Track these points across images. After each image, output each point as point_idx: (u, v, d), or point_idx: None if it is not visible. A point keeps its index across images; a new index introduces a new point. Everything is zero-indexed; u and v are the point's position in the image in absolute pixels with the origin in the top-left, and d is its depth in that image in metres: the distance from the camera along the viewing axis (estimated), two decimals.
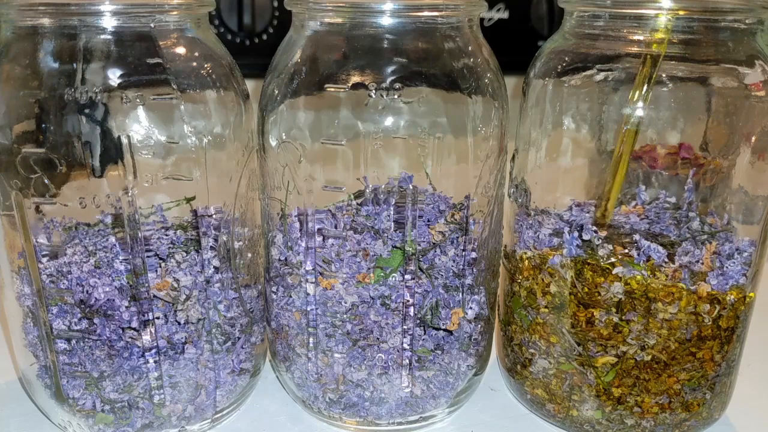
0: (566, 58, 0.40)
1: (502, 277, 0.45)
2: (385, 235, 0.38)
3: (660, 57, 0.36)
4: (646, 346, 0.38)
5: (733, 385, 0.43)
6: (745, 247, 0.39)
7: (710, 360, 0.39)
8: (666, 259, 0.38)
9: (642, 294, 0.37)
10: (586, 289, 0.38)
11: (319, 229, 0.39)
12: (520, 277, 0.42)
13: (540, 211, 0.43)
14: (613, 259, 0.38)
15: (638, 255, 0.38)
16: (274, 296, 0.42)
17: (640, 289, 0.37)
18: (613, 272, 0.38)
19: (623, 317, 0.38)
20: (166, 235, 0.40)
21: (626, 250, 0.38)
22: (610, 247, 0.39)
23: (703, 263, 0.37)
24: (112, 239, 0.39)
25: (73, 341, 0.38)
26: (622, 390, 0.39)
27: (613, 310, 0.38)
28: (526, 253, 0.42)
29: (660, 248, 0.38)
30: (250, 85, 0.41)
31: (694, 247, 0.38)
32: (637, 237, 0.38)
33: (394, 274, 0.39)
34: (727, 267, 0.38)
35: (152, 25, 0.35)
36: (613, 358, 0.39)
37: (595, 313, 0.38)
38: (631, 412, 0.40)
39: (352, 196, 0.40)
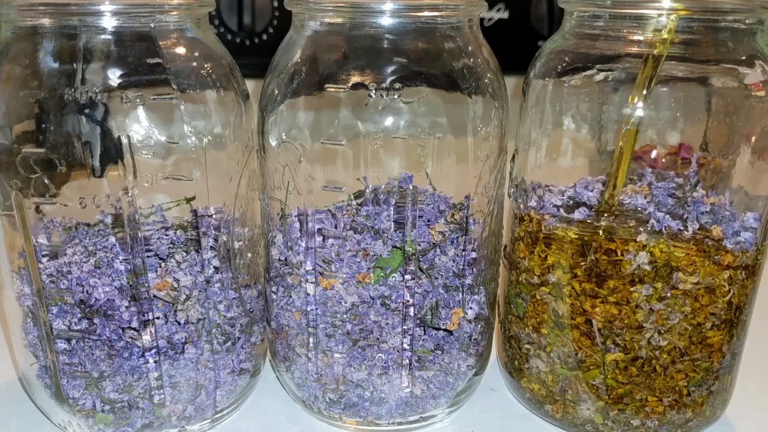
0: (566, 58, 0.40)
1: (502, 276, 0.45)
2: (385, 235, 0.38)
3: (662, 57, 0.36)
4: (662, 330, 0.38)
5: (734, 383, 0.43)
6: (750, 222, 0.38)
7: (718, 350, 0.39)
8: (681, 227, 0.38)
9: (664, 263, 0.37)
10: (602, 263, 0.38)
11: (319, 229, 0.39)
12: (517, 253, 0.42)
13: (544, 187, 0.43)
14: (622, 232, 0.38)
15: (657, 223, 0.38)
16: (274, 296, 0.42)
17: (663, 258, 0.37)
18: (637, 240, 0.37)
19: (646, 292, 0.37)
20: (166, 235, 0.40)
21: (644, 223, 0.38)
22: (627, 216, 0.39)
23: (713, 232, 0.38)
24: (112, 239, 0.39)
25: (73, 341, 0.38)
26: (628, 388, 0.39)
27: (631, 285, 0.37)
28: (526, 216, 0.41)
29: (674, 219, 0.38)
30: (250, 85, 0.41)
31: (700, 217, 0.38)
32: (651, 209, 0.38)
33: (394, 274, 0.39)
34: (738, 238, 0.38)
35: (152, 25, 0.35)
36: (622, 354, 0.39)
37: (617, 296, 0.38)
38: (635, 413, 0.40)
39: (352, 196, 0.40)
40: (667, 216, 0.38)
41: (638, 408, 0.40)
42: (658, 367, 0.39)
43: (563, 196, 0.42)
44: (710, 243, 0.37)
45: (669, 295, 0.37)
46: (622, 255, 0.37)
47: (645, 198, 0.41)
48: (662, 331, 0.38)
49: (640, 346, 0.38)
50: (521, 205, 0.42)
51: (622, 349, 0.39)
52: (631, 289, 0.38)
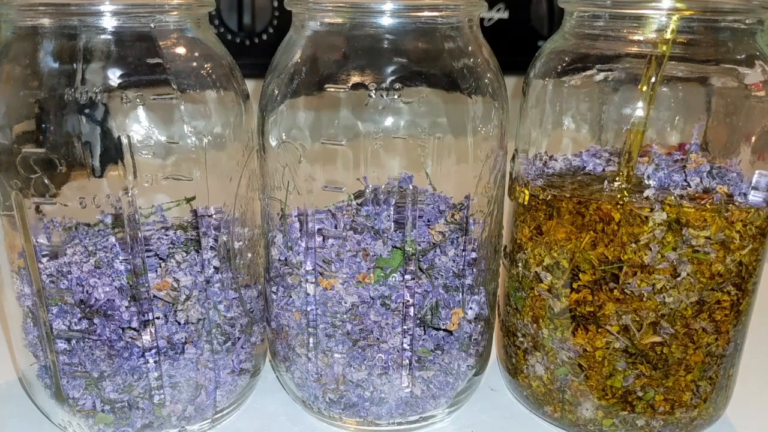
0: (566, 58, 0.40)
1: (502, 276, 0.45)
2: (385, 235, 0.38)
3: (665, 57, 0.36)
4: (676, 284, 0.37)
5: (735, 380, 0.43)
6: (760, 183, 0.38)
7: (725, 332, 0.39)
8: (685, 185, 0.38)
9: (674, 219, 0.36)
10: (616, 230, 0.37)
11: (319, 229, 0.39)
12: (520, 228, 0.42)
13: (549, 156, 0.43)
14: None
15: (663, 180, 0.38)
16: (274, 296, 0.42)
17: (672, 212, 0.36)
18: (644, 194, 0.37)
19: (660, 235, 0.37)
20: (166, 235, 0.40)
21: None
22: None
23: (718, 191, 0.37)
24: (112, 239, 0.39)
25: (73, 341, 0.38)
26: (635, 383, 0.39)
27: (639, 249, 0.37)
28: (525, 189, 0.41)
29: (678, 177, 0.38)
30: (250, 85, 0.41)
31: (710, 178, 0.38)
32: (650, 170, 0.38)
33: (394, 274, 0.39)
34: (746, 198, 0.38)
35: (152, 25, 0.35)
36: (658, 337, 0.38)
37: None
38: (642, 413, 0.40)
39: (352, 196, 0.40)
40: (672, 174, 0.38)
41: (645, 407, 0.40)
42: (662, 356, 0.39)
43: (569, 164, 0.42)
44: (719, 199, 0.37)
45: (683, 249, 0.37)
46: (632, 211, 0.37)
47: (650, 167, 0.40)
48: (676, 285, 0.37)
49: (655, 310, 0.38)
50: (528, 173, 0.42)
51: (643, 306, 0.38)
52: (641, 236, 0.37)
